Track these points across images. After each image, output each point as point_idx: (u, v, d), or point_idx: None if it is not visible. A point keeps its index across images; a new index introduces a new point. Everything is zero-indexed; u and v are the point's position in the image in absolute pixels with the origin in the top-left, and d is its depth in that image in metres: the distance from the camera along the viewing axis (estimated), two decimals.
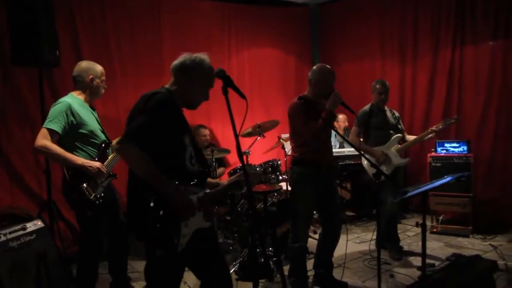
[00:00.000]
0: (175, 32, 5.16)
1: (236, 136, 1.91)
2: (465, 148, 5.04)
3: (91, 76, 3.16)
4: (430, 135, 4.14)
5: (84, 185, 2.80)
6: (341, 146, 5.74)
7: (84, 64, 3.22)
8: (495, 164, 5.27)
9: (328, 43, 6.87)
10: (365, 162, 4.12)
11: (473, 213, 4.91)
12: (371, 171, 4.07)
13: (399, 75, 5.97)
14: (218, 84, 2.02)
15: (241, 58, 5.97)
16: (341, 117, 5.88)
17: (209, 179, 2.27)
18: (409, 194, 2.57)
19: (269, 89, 6.29)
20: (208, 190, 2.21)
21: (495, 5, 5.07)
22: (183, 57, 2.20)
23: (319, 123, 2.90)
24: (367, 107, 4.25)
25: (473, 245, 4.58)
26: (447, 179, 2.92)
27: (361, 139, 4.15)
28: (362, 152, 3.00)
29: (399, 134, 4.23)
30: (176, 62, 2.19)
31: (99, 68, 3.21)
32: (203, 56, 2.21)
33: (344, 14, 6.63)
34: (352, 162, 5.48)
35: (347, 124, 5.93)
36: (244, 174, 2.01)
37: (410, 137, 4.32)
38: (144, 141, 1.93)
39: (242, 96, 1.98)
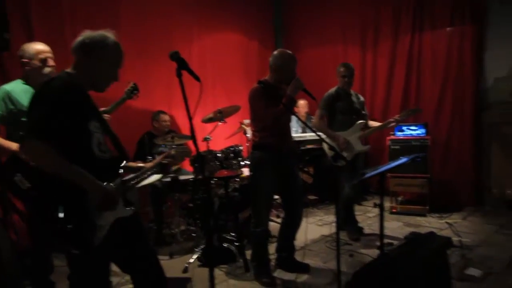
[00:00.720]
0: (134, 17, 5.03)
1: (190, 119, 1.87)
2: (423, 131, 5.15)
3: (24, 60, 2.97)
4: (392, 124, 4.23)
5: (18, 175, 2.66)
6: (304, 131, 5.77)
7: (22, 47, 3.03)
8: (451, 147, 5.42)
9: (291, 28, 6.89)
10: (325, 146, 4.15)
11: (430, 193, 5.05)
12: (331, 154, 4.10)
13: (360, 60, 6.04)
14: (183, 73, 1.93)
15: (203, 44, 5.90)
16: (301, 102, 5.86)
17: (131, 163, 2.15)
18: (367, 175, 2.62)
19: (232, 75, 6.24)
20: (130, 176, 2.09)
21: None
22: (82, 35, 2.01)
23: (280, 108, 2.88)
24: (333, 90, 4.22)
25: (430, 224, 4.72)
26: (402, 160, 3.01)
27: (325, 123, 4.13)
28: (323, 137, 3.05)
29: (362, 121, 4.26)
30: (76, 41, 2.00)
31: (33, 48, 2.99)
32: (107, 33, 2.02)
33: (307, 0, 6.71)
34: (314, 147, 5.51)
35: (307, 110, 5.93)
36: (201, 161, 1.99)
37: (373, 123, 4.37)
38: (46, 133, 1.79)
39: (196, 78, 1.92)
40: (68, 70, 1.99)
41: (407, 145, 5.13)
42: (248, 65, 6.42)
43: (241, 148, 4.47)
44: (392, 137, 5.24)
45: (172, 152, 2.20)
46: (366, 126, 4.28)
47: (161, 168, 2.17)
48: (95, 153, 1.93)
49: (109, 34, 2.00)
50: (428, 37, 5.50)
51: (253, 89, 3.01)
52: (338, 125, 4.16)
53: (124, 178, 2.04)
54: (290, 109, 2.89)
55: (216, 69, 6.04)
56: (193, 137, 1.92)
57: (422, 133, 5.14)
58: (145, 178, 2.09)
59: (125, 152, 2.11)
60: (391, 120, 4.20)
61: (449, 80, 5.37)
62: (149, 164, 2.17)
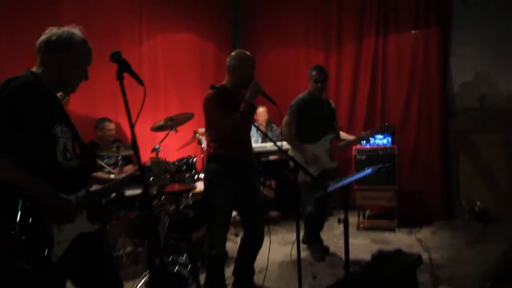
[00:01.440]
0: (75, 16, 4.70)
1: (131, 126, 1.81)
2: (390, 139, 5.08)
3: None
4: (363, 139, 4.15)
5: None
6: (264, 141, 5.58)
7: None
8: (418, 156, 5.37)
9: (250, 30, 6.70)
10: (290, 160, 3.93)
11: (398, 206, 4.99)
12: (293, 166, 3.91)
13: (323, 64, 5.78)
14: (127, 77, 1.88)
15: (153, 45, 5.61)
16: (261, 110, 5.62)
17: (100, 174, 2.18)
18: (330, 188, 2.50)
19: (186, 79, 6.01)
20: (94, 188, 2.06)
21: None
22: (47, 33, 1.99)
23: (237, 116, 2.75)
24: (304, 95, 4.01)
25: (399, 240, 4.63)
26: (367, 171, 2.89)
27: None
28: (288, 153, 2.78)
29: (332, 134, 4.08)
30: (40, 39, 1.97)
31: None
32: (73, 29, 2.00)
33: (268, 0, 6.60)
34: (276, 158, 5.34)
35: (267, 117, 5.72)
36: (144, 174, 1.86)
37: (344, 136, 4.25)
38: (2, 139, 1.72)
39: (139, 81, 1.86)
40: (33, 69, 1.96)
41: (373, 155, 5.03)
42: (204, 69, 6.21)
43: (195, 159, 4.23)
44: (358, 146, 5.11)
45: (148, 163, 2.16)
46: (336, 139, 4.13)
47: (133, 181, 2.13)
48: (58, 160, 1.89)
49: (75, 31, 2.01)
50: (392, 40, 5.47)
51: (207, 95, 2.92)
52: (306, 136, 3.94)
53: (91, 190, 2.01)
54: (248, 117, 2.79)
55: (169, 73, 5.79)
56: (134, 146, 1.85)
57: (388, 142, 5.07)
58: (114, 190, 2.08)
59: (93, 161, 2.11)
60: (362, 135, 4.11)
61: (415, 85, 5.33)
62: (120, 176, 2.19)
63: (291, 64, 6.23)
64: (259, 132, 5.46)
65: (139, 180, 2.04)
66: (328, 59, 5.94)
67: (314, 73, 3.99)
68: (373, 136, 4.13)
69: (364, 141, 4.30)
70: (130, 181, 2.17)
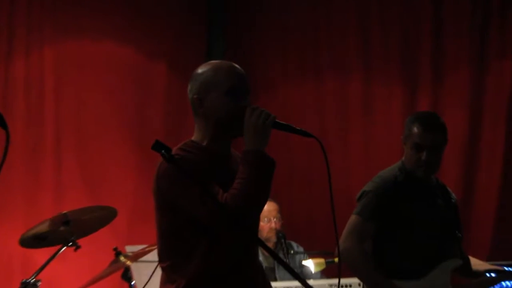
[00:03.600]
0: None
1: None
2: None
3: None
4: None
5: None
6: (274, 276, 4.27)
7: None
8: None
9: (244, 41, 5.32)
10: None
11: None
12: None
13: (408, 107, 4.64)
14: None
15: (37, 64, 4.36)
16: (265, 208, 4.29)
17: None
18: None
19: (101, 132, 4.52)
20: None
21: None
22: None
23: (238, 190, 1.81)
24: (391, 172, 3.06)
25: None
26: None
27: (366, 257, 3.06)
28: None
29: (455, 260, 3.14)
30: None
31: None
32: None
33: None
34: None
35: (280, 224, 4.21)
36: None
37: (478, 264, 3.35)
38: None
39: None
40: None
41: None
42: (144, 110, 4.68)
43: None
44: None
45: None
46: (464, 270, 3.20)
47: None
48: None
49: None
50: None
51: (162, 169, 1.95)
52: (399, 263, 3.00)
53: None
54: (265, 180, 1.86)
55: (65, 117, 4.45)
56: None
57: None
58: None
59: None
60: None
61: None
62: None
63: (332, 109, 4.83)
64: (264, 256, 4.13)
65: None
66: (414, 98, 4.71)
67: (416, 129, 2.97)
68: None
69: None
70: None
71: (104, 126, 4.55)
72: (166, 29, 4.96)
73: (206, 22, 5.25)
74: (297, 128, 1.90)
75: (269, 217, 4.18)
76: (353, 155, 4.70)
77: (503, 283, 2.90)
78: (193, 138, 1.95)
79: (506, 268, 3.25)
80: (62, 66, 4.47)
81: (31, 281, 3.04)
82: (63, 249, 3.16)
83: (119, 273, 3.57)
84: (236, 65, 2.02)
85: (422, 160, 2.87)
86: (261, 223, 4.10)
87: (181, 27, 5.09)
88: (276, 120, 1.87)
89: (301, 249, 4.36)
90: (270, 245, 4.20)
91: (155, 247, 2.06)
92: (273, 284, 4.03)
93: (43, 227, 3.16)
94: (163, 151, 1.76)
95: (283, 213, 4.24)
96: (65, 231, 3.13)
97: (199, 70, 1.98)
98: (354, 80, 5.11)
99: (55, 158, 4.31)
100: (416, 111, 3.75)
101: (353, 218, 2.96)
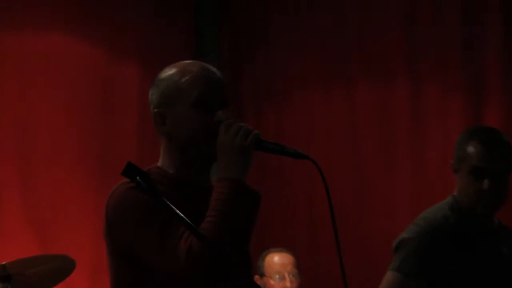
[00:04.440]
0: None
1: None
2: None
3: None
4: None
5: None
6: None
7: None
8: None
9: (243, 36, 5.01)
10: None
11: None
12: None
13: (467, 120, 4.21)
14: None
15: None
16: (277, 260, 3.85)
17: None
18: None
19: (55, 154, 4.06)
20: None
21: None
22: None
23: (209, 230, 1.64)
24: (440, 209, 2.64)
25: None
26: None
27: None
28: None
29: None
30: None
31: None
32: None
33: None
34: None
35: (296, 272, 3.78)
36: None
37: None
38: None
39: None
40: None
41: None
42: (110, 123, 4.25)
43: None
44: None
45: None
46: None
47: None
48: None
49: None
50: None
51: (117, 197, 1.76)
52: None
53: None
54: (247, 223, 1.71)
55: (11, 133, 4.04)
56: None
57: None
58: None
59: None
60: None
61: None
62: None
63: (368, 124, 4.45)
64: None
65: None
66: (479, 111, 4.35)
67: (474, 149, 2.63)
68: None
69: None
70: None
71: (56, 148, 4.06)
72: (139, 18, 4.52)
73: (193, 9, 4.81)
74: (288, 148, 1.67)
75: (282, 273, 3.71)
76: (398, 187, 4.24)
77: None
78: (158, 163, 1.75)
79: None
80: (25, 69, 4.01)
81: None
82: None
83: None
84: (210, 67, 1.81)
85: (484, 191, 2.50)
86: (271, 282, 3.73)
87: (159, 15, 4.63)
88: (260, 138, 1.62)
89: None
90: None
91: None
92: None
93: None
94: (138, 177, 1.58)
95: (302, 268, 3.87)
96: None
97: (162, 75, 1.78)
98: (398, 88, 4.62)
99: None
100: (472, 127, 3.27)
101: (389, 275, 2.60)
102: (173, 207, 1.54)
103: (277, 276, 3.71)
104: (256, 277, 3.64)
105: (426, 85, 4.54)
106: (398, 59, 4.62)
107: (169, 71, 1.75)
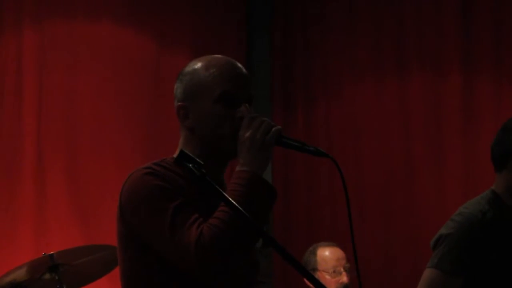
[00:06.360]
0: None
1: None
2: None
3: None
4: None
5: None
6: None
7: None
8: None
9: (296, 32, 4.99)
10: None
11: None
12: None
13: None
14: None
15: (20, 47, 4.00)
16: (328, 254, 3.77)
17: None
18: None
19: (103, 145, 4.05)
20: None
21: None
22: None
23: (222, 219, 1.64)
24: (477, 204, 2.56)
25: None
26: None
27: None
28: None
29: None
30: None
31: None
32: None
33: None
34: None
35: (348, 267, 3.67)
36: None
37: None
38: None
39: None
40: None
41: None
42: (162, 115, 4.18)
43: None
44: None
45: None
46: None
47: None
48: None
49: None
50: None
51: (132, 180, 1.78)
52: None
53: None
54: (257, 219, 1.65)
55: (59, 121, 3.99)
56: None
57: None
58: None
59: None
60: None
61: None
62: None
63: (419, 116, 4.38)
64: None
65: None
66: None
67: None
68: None
69: None
70: None
71: (103, 138, 4.10)
72: (191, 9, 4.55)
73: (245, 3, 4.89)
74: (308, 145, 1.68)
75: (338, 267, 3.61)
76: (449, 183, 4.17)
77: None
78: (175, 155, 1.73)
79: None
80: (47, 55, 4.04)
81: None
82: None
83: None
84: (234, 62, 1.82)
85: None
86: (327, 277, 3.65)
87: (211, 6, 4.65)
88: (281, 134, 1.65)
89: None
90: None
91: None
92: None
93: (21, 274, 2.84)
94: (191, 165, 1.57)
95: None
96: (51, 279, 2.85)
97: (186, 68, 1.81)
98: (451, 82, 4.59)
99: (36, 181, 3.87)
100: None
101: (427, 272, 2.51)
102: (225, 194, 1.53)
103: (332, 271, 3.62)
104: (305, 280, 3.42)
105: (480, 78, 4.52)
106: (452, 52, 4.59)
107: (194, 65, 1.77)
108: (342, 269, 3.67)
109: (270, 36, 5.09)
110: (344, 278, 3.66)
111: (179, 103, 1.76)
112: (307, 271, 1.58)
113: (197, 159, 1.60)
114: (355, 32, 4.91)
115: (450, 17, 4.60)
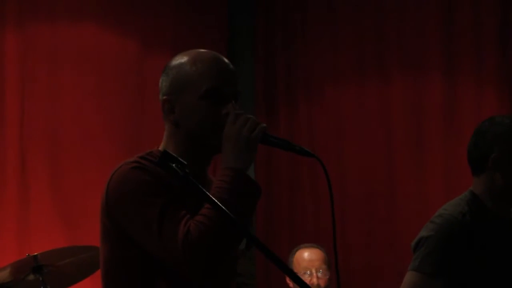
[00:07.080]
0: None
1: None
2: None
3: None
4: None
5: None
6: None
7: None
8: None
9: (279, 29, 5.04)
10: None
11: None
12: None
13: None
14: None
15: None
16: (303, 255, 3.81)
17: None
18: None
19: (86, 146, 4.12)
20: None
21: None
22: None
23: (208, 216, 1.65)
24: (457, 206, 2.58)
25: None
26: None
27: None
28: None
29: None
30: None
31: None
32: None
33: None
34: None
35: (325, 268, 3.70)
36: None
37: None
38: None
39: None
40: None
41: None
42: (143, 114, 4.34)
43: None
44: None
45: None
46: None
47: None
48: None
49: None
50: None
51: (119, 175, 1.76)
52: None
53: None
54: (241, 215, 1.67)
55: (42, 122, 4.08)
56: None
57: None
58: None
59: None
60: None
61: None
62: None
63: (400, 118, 4.47)
64: None
65: None
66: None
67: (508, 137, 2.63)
68: None
69: None
70: None
71: (86, 139, 4.13)
72: (172, 9, 4.58)
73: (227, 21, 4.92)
74: (294, 144, 1.70)
75: (310, 269, 3.67)
76: (431, 184, 4.20)
77: None
78: (160, 147, 1.75)
79: None
80: (29, 59, 4.03)
81: None
82: None
83: None
84: (221, 57, 1.82)
85: (506, 186, 2.45)
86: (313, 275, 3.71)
87: (193, 6, 4.70)
88: (267, 132, 1.65)
89: None
90: None
91: None
92: None
93: (4, 275, 2.87)
94: (174, 165, 1.57)
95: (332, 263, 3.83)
96: (35, 280, 2.87)
97: (173, 62, 1.78)
98: (433, 83, 4.64)
99: (19, 182, 3.89)
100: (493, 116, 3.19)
101: (409, 275, 2.55)
102: (208, 194, 1.53)
103: (306, 272, 3.69)
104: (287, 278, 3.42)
105: (461, 80, 4.57)
106: (433, 54, 4.66)
107: (181, 59, 1.76)
108: (313, 271, 3.72)
109: (253, 39, 5.13)
110: (314, 280, 3.70)
111: (164, 97, 1.74)
112: (289, 269, 1.63)
113: (180, 159, 1.60)
114: (337, 35, 4.98)
115: (431, 19, 4.68)
